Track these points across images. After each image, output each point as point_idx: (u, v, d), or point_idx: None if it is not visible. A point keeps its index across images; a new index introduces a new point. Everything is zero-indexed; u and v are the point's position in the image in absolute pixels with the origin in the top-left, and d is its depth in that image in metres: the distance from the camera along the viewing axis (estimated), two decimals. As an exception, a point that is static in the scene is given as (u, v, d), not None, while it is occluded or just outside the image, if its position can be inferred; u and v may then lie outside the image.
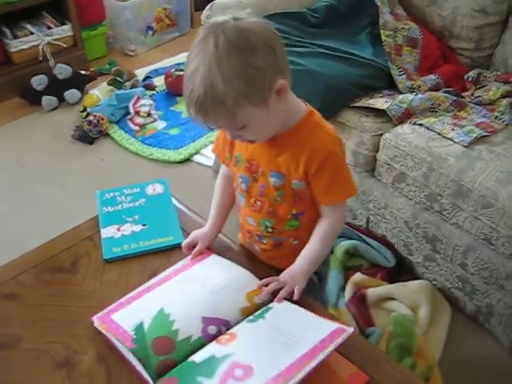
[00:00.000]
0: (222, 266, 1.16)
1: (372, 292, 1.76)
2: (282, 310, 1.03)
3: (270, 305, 1.05)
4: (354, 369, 0.96)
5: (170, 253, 1.24)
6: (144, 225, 1.32)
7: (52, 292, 1.17)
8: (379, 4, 2.03)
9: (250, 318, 1.02)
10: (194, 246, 1.21)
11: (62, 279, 1.20)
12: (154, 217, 1.33)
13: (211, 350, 0.96)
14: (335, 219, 1.11)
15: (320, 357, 0.89)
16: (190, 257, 1.21)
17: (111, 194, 1.41)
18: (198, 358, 0.95)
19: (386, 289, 1.77)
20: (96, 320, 1.06)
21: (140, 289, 1.14)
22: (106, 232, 1.30)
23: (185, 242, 1.22)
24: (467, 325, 1.75)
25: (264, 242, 1.19)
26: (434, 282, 1.79)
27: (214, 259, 1.19)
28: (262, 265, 1.21)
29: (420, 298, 1.73)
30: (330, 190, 1.07)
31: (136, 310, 1.06)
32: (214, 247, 1.23)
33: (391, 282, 1.81)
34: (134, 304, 1.08)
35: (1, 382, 1.00)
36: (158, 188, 1.42)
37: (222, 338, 0.99)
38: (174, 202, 1.39)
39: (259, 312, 1.03)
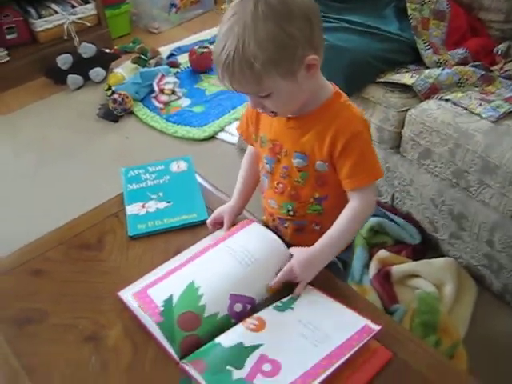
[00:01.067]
0: (261, 236, 1.14)
1: (397, 269, 1.75)
2: (310, 301, 1.03)
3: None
4: (376, 345, 0.96)
5: (194, 230, 1.25)
6: (168, 202, 1.33)
7: (78, 268, 1.20)
8: (406, -23, 1.98)
9: (278, 304, 1.02)
10: (219, 223, 1.22)
11: (88, 256, 1.22)
12: (179, 194, 1.34)
13: (239, 335, 0.97)
14: (361, 204, 1.06)
15: (346, 356, 0.91)
16: (213, 234, 1.20)
17: (136, 172, 1.42)
18: (225, 341, 0.95)
19: (410, 266, 1.76)
20: (129, 296, 1.07)
21: (177, 261, 1.14)
22: (131, 209, 1.31)
23: (209, 219, 1.23)
24: (493, 303, 1.73)
25: (286, 225, 1.18)
26: (460, 260, 1.77)
27: (255, 228, 1.17)
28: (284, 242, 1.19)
29: (445, 275, 1.71)
30: (355, 172, 1.04)
31: (170, 284, 1.06)
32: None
33: (416, 259, 1.79)
34: (170, 278, 1.08)
35: (30, 355, 1.03)
36: (182, 165, 1.43)
37: (250, 322, 0.98)
38: (198, 179, 1.39)
39: (287, 300, 1.03)
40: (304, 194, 1.11)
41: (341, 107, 1.05)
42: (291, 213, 1.15)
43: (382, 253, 1.81)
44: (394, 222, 1.87)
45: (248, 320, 0.99)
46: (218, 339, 0.96)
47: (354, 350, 0.92)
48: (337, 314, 1.01)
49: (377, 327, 0.96)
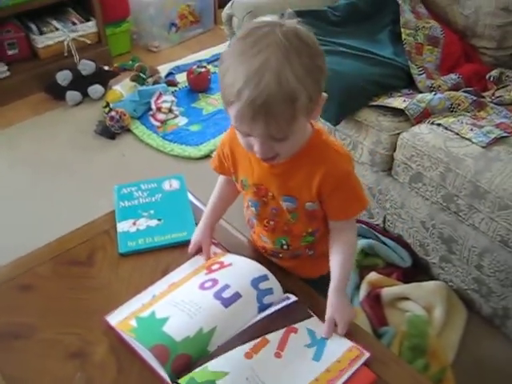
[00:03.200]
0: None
1: (387, 291, 1.75)
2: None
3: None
4: (360, 366, 0.98)
5: (183, 248, 1.25)
6: (159, 220, 1.34)
7: (68, 284, 1.20)
8: (400, 2, 2.01)
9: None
10: (199, 249, 1.22)
11: (78, 272, 1.23)
12: (170, 212, 1.35)
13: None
14: (353, 235, 1.09)
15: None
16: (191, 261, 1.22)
17: (128, 189, 1.43)
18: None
19: (400, 288, 1.76)
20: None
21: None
22: (122, 226, 1.32)
23: (191, 248, 1.23)
24: (483, 327, 1.73)
25: (280, 255, 1.18)
26: (450, 284, 1.77)
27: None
28: (280, 269, 1.19)
29: (435, 298, 1.71)
30: (345, 208, 1.05)
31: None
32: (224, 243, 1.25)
33: (406, 282, 1.79)
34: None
35: (16, 370, 1.03)
36: (175, 184, 1.44)
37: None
38: (190, 197, 1.40)
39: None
40: (297, 229, 1.11)
41: (325, 147, 1.03)
42: (285, 246, 1.14)
43: (373, 275, 1.81)
44: (386, 244, 1.88)
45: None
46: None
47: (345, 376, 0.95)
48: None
49: (366, 353, 0.99)
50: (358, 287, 1.81)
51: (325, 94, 0.94)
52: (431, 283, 1.76)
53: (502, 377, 1.62)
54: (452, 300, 1.75)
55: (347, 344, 1.01)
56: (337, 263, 1.06)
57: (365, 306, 1.72)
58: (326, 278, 1.09)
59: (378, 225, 1.94)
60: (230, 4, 2.03)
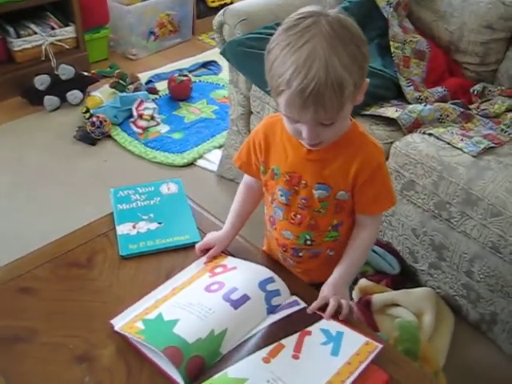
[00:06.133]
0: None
1: (377, 298, 1.76)
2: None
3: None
4: (374, 366, 0.98)
5: (186, 251, 1.24)
6: (160, 223, 1.32)
7: (68, 287, 1.17)
8: (389, 17, 2.06)
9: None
10: (208, 249, 1.21)
11: (78, 274, 1.20)
12: (170, 215, 1.34)
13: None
14: (375, 229, 1.12)
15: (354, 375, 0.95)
16: (197, 262, 1.20)
17: (125, 192, 1.41)
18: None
19: (391, 295, 1.77)
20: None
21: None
22: (122, 229, 1.30)
23: (199, 244, 1.22)
24: (470, 333, 1.77)
25: (300, 254, 1.17)
26: (438, 290, 1.80)
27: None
28: (288, 273, 1.19)
29: (424, 304, 1.74)
30: (376, 200, 1.07)
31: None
32: (233, 252, 1.23)
33: (396, 289, 1.82)
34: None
35: (17, 374, 1.00)
36: (173, 187, 1.43)
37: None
38: (189, 202, 1.39)
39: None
40: (323, 223, 1.11)
41: (361, 138, 1.06)
42: (309, 242, 1.14)
43: (363, 281, 1.83)
44: (375, 251, 1.90)
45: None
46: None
47: (360, 369, 0.96)
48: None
49: (380, 345, 1.01)
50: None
51: (367, 80, 0.96)
52: (420, 290, 1.79)
53: (489, 380, 1.65)
54: (439, 306, 1.78)
55: (363, 339, 1.02)
56: (347, 258, 1.09)
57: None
58: None
59: (366, 232, 1.96)
60: (222, 11, 2.03)
